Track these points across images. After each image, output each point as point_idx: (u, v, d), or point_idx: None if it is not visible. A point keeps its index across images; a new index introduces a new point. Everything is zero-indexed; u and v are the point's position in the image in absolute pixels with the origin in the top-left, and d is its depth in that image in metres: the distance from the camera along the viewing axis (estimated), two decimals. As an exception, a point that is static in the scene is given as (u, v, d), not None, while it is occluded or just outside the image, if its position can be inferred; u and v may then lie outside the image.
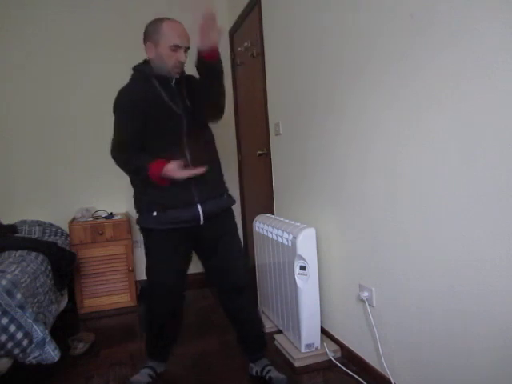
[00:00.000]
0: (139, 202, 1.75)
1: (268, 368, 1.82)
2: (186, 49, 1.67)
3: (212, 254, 1.78)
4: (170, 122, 1.66)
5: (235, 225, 1.84)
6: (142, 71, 1.70)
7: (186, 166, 1.62)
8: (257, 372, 1.86)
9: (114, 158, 1.72)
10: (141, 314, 2.71)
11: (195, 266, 2.35)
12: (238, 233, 1.87)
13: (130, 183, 1.80)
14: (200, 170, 1.61)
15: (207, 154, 1.75)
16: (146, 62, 1.73)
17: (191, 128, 1.68)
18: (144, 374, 1.83)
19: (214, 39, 1.52)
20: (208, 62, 1.57)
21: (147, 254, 1.76)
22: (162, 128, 1.67)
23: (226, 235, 1.79)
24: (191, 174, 1.60)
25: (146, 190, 1.70)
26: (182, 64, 1.67)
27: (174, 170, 1.58)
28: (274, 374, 1.79)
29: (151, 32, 1.66)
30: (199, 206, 1.68)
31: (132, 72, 1.74)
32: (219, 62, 1.61)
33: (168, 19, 1.66)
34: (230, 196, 1.85)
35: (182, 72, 1.73)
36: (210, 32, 1.50)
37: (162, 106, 1.66)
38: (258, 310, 2.01)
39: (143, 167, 1.62)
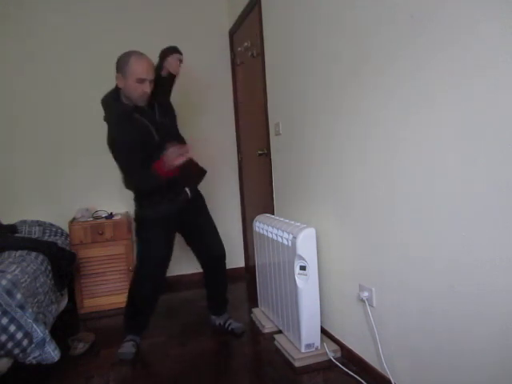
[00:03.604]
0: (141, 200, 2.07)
1: (229, 321, 2.32)
2: (151, 81, 1.91)
3: (195, 233, 2.20)
4: (150, 143, 1.94)
5: (206, 206, 2.24)
6: (125, 109, 1.94)
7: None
8: (220, 324, 2.35)
9: (128, 187, 1.99)
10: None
11: (194, 267, 2.35)
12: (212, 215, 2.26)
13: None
14: (188, 155, 1.88)
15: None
16: (116, 89, 1.96)
17: (164, 139, 1.95)
18: (129, 346, 2.09)
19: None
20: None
21: (143, 239, 2.06)
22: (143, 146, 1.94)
23: (202, 216, 2.20)
24: (184, 158, 1.85)
25: (145, 201, 2.04)
26: (146, 94, 1.91)
27: (171, 157, 1.82)
28: (235, 324, 2.30)
29: (121, 64, 1.90)
30: (187, 189, 2.06)
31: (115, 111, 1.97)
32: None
33: (135, 53, 1.89)
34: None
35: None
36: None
37: (147, 134, 1.93)
38: (226, 276, 2.36)
39: (153, 175, 1.87)
